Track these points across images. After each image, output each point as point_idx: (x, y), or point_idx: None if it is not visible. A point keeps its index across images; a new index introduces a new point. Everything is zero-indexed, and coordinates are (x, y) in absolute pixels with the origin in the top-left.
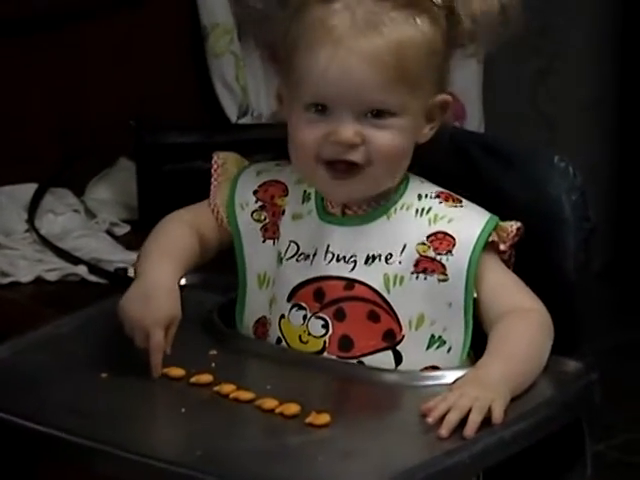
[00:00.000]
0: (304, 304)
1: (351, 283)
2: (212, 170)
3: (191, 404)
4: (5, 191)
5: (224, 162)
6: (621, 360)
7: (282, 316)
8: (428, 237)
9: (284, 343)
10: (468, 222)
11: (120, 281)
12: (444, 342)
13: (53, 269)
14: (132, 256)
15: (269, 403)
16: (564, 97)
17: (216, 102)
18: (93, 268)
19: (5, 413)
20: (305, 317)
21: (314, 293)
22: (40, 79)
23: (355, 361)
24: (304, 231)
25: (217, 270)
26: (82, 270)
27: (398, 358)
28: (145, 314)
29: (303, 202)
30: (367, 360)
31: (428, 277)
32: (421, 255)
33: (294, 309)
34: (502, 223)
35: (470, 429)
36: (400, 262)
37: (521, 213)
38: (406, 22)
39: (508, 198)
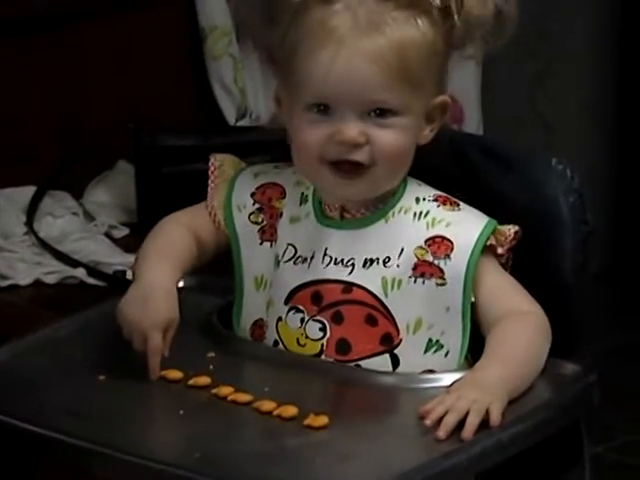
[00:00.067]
0: (302, 307)
1: (349, 286)
2: (209, 172)
3: (189, 406)
4: (4, 194)
5: (221, 164)
6: (620, 362)
7: (279, 319)
8: (426, 241)
9: (281, 345)
10: (466, 226)
11: (119, 284)
12: (442, 346)
13: (52, 272)
14: (131, 259)
15: (267, 405)
16: (562, 99)
17: (214, 104)
18: (92, 271)
19: (4, 415)
20: (303, 320)
21: (312, 296)
22: (39, 80)
23: (353, 364)
24: (302, 234)
25: (214, 272)
26: (81, 273)
27: (395, 362)
28: (143, 317)
29: (300, 204)
30: (364, 364)
31: (426, 281)
32: (419, 259)
33: (291, 312)
34: (500, 227)
35: (468, 431)
36: (398, 266)
37: (519, 215)
38: (407, 22)
39: (506, 200)
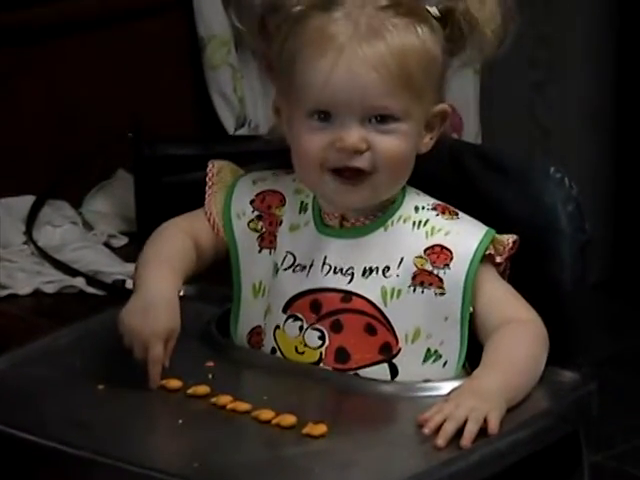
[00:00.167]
0: (300, 315)
1: (349, 295)
2: (207, 178)
3: (188, 416)
4: (3, 203)
5: (219, 170)
6: (619, 371)
7: (277, 326)
8: (425, 250)
9: (279, 353)
10: (465, 235)
11: (118, 293)
12: (440, 356)
13: (51, 281)
14: (130, 268)
15: (266, 414)
16: (561, 108)
17: (213, 114)
18: (91, 280)
19: (3, 425)
20: (301, 328)
21: (310, 304)
22: (38, 89)
23: (351, 373)
24: (301, 242)
25: (213, 281)
26: (80, 282)
27: (394, 371)
28: (144, 327)
29: (300, 212)
30: (363, 373)
31: (425, 290)
32: (418, 268)
33: (290, 320)
34: (498, 236)
35: (467, 439)
36: (398, 275)
37: (517, 224)
38: (407, 29)
39: (504, 209)
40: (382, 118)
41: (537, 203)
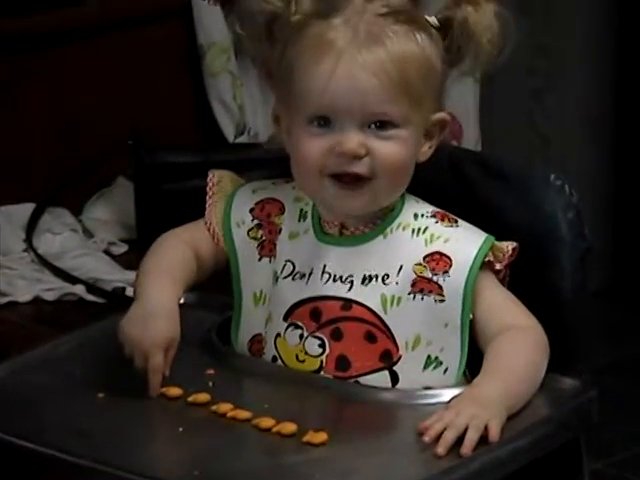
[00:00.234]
0: (301, 323)
1: (348, 303)
2: (207, 188)
3: (189, 424)
4: (3, 211)
5: (219, 180)
6: (619, 378)
7: (278, 335)
8: (425, 257)
9: (280, 361)
10: (464, 243)
11: (118, 300)
12: (440, 363)
13: (51, 289)
14: (130, 276)
15: (266, 422)
16: (560, 116)
17: (213, 121)
18: (91, 287)
19: (2, 433)
20: (302, 336)
21: (310, 313)
22: (39, 97)
23: (352, 381)
24: (300, 250)
25: (213, 290)
26: (80, 289)
27: (395, 379)
28: (145, 336)
29: (300, 220)
30: (363, 380)
31: (425, 297)
32: (418, 275)
33: (290, 328)
34: (498, 243)
35: (467, 447)
36: (397, 283)
37: (517, 231)
38: (407, 37)
39: (504, 216)
40: (381, 124)
41: (537, 210)
